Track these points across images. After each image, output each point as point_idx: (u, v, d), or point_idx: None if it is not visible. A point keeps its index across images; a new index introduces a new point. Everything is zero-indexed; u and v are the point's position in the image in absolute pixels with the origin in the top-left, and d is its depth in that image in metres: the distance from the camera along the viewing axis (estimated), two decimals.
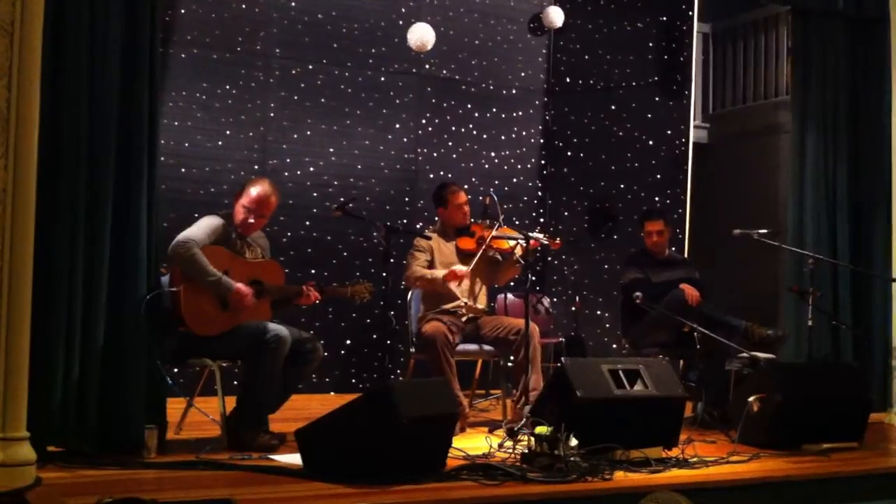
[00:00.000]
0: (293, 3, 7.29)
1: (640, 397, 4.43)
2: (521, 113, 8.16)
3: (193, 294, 4.52)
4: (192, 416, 4.95)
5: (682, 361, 6.09)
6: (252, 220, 4.80)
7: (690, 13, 7.99)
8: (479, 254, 5.46)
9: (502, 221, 5.56)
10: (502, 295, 6.71)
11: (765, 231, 6.03)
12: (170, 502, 3.21)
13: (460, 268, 5.42)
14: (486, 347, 5.54)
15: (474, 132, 7.95)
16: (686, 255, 7.47)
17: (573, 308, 7.82)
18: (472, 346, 5.53)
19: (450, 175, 7.56)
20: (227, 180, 6.85)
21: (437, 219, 5.84)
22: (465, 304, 5.54)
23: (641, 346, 5.98)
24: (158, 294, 4.44)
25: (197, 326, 4.53)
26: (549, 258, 8.11)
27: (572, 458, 3.98)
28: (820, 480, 4.33)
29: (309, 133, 7.32)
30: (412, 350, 5.59)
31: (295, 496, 3.53)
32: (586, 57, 8.27)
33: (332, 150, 7.38)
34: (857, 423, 5.09)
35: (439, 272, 5.47)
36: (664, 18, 8.10)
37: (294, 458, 4.08)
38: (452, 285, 5.49)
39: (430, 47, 7.43)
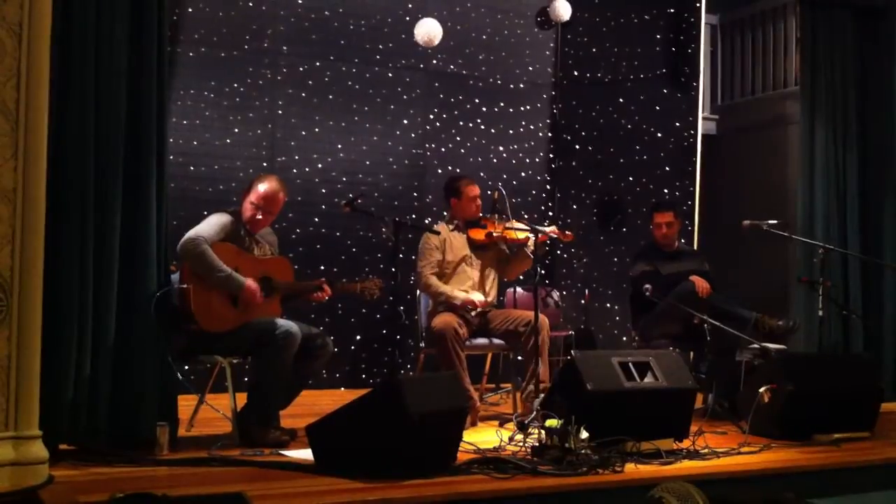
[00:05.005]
0: (300, 0, 7.29)
1: (651, 389, 4.43)
2: (528, 107, 8.15)
3: (203, 291, 4.53)
4: (203, 412, 4.96)
5: (692, 353, 6.07)
6: (260, 217, 4.81)
7: (698, 4, 7.97)
8: (492, 246, 5.46)
9: (511, 215, 5.56)
10: (511, 289, 6.71)
11: (774, 222, 6.01)
12: (182, 498, 3.22)
13: (480, 298, 5.43)
14: (496, 341, 5.55)
15: (482, 127, 7.95)
16: (695, 246, 7.46)
17: (582, 301, 7.81)
18: (482, 340, 5.54)
19: (458, 170, 7.56)
20: (235, 178, 6.85)
21: (445, 213, 5.83)
22: None
23: (651, 338, 5.97)
24: (168, 291, 4.45)
25: (207, 323, 4.54)
26: (559, 251, 8.11)
27: (583, 451, 3.98)
28: (831, 471, 4.33)
29: (317, 129, 7.32)
30: (422, 345, 5.60)
31: (306, 491, 3.54)
32: (594, 50, 8.25)
33: (340, 146, 7.38)
34: (869, 413, 5.08)
35: (458, 294, 5.42)
36: (672, 10, 8.08)
37: (305, 454, 4.10)
38: (463, 283, 5.50)
39: (437, 42, 7.43)
